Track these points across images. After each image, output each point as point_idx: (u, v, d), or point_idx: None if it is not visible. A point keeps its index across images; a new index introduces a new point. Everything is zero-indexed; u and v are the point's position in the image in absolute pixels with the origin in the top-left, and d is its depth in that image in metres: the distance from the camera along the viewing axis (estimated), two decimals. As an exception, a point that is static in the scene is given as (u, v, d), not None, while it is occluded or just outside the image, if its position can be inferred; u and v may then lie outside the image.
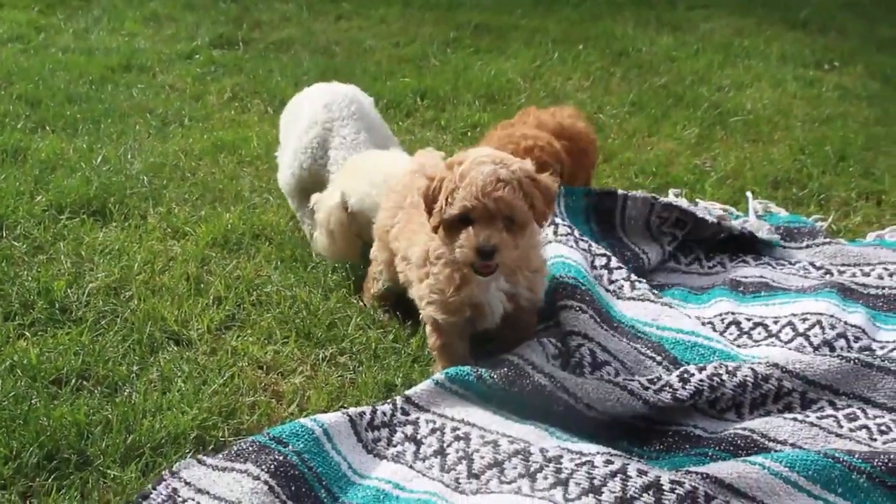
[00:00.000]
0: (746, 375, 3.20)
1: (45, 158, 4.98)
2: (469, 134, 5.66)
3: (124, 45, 7.40)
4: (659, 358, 3.45)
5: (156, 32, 7.89)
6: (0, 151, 5.04)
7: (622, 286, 3.86)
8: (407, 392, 3.19)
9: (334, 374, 3.35)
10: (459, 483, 2.88)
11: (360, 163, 3.99)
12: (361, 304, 3.78)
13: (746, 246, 4.32)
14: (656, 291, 3.86)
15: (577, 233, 4.04)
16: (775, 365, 3.24)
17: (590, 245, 4.03)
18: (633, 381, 3.21)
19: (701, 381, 3.18)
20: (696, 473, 2.71)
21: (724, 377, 3.19)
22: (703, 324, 3.70)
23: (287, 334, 3.55)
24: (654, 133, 5.78)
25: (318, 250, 4.02)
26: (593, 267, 3.92)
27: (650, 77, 6.92)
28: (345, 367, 3.40)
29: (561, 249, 3.85)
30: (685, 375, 3.21)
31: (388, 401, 3.15)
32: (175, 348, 3.46)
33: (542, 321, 3.64)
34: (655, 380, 3.22)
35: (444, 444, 3.01)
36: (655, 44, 7.86)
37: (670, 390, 3.16)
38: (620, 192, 4.34)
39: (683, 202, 4.46)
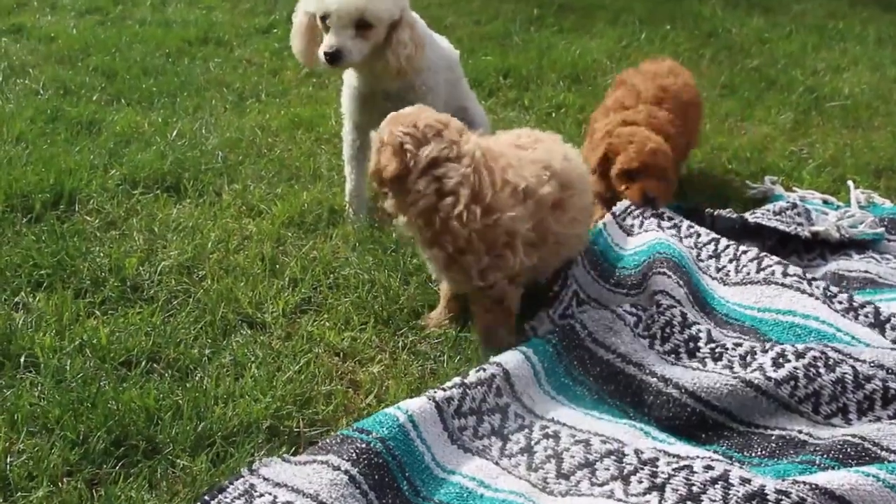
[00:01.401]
0: (846, 373, 2.96)
1: (119, 131, 4.90)
2: (553, 115, 5.47)
3: (202, 17, 7.34)
4: (746, 337, 3.28)
5: (234, 6, 7.83)
6: (75, 123, 4.97)
7: (728, 272, 3.70)
8: (507, 367, 2.99)
9: (414, 363, 3.18)
10: (548, 483, 2.68)
11: None
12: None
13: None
14: (765, 266, 3.66)
15: (685, 226, 3.89)
16: (880, 366, 2.99)
17: (698, 235, 3.86)
18: (723, 371, 3.05)
19: (796, 367, 2.96)
20: (805, 483, 2.49)
21: (822, 370, 2.96)
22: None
23: (365, 320, 3.39)
24: (748, 117, 5.54)
25: (294, 52, 4.11)
26: (700, 259, 3.76)
27: (741, 59, 6.68)
28: (425, 357, 3.22)
29: (664, 237, 3.74)
30: (780, 360, 3.00)
31: (484, 376, 2.93)
32: (248, 332, 3.31)
33: (626, 289, 3.58)
34: (749, 357, 3.07)
35: (532, 442, 2.82)
36: (746, 25, 7.63)
37: (762, 370, 2.97)
38: (707, 211, 4.12)
39: (780, 202, 4.23)
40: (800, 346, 3.06)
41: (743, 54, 6.83)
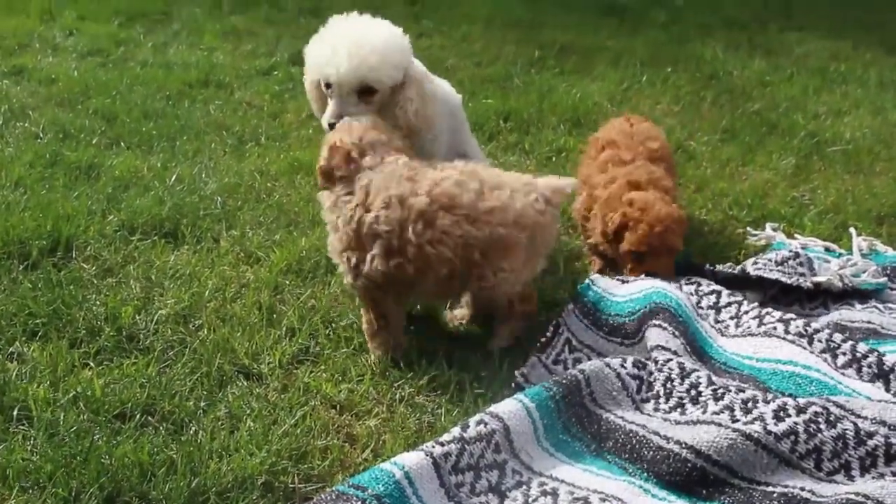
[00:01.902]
0: (847, 429, 2.91)
1: (118, 176, 4.87)
2: (554, 159, 5.45)
3: (203, 59, 7.32)
4: (745, 386, 3.21)
5: (235, 47, 7.80)
6: (74, 168, 4.94)
7: (728, 326, 3.68)
8: (508, 423, 2.95)
9: (412, 416, 3.14)
10: (545, 542, 2.66)
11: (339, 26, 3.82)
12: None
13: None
14: (767, 322, 3.63)
15: (683, 280, 3.91)
16: (882, 422, 2.95)
17: (699, 284, 3.85)
18: (724, 412, 3.02)
19: (796, 422, 2.91)
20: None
21: (823, 425, 2.92)
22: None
23: (362, 371, 3.36)
24: (749, 162, 5.51)
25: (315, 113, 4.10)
26: (700, 307, 3.74)
27: (742, 102, 6.65)
28: (422, 409, 3.18)
29: (662, 285, 3.72)
30: (780, 413, 2.95)
31: (484, 431, 2.89)
32: (245, 383, 3.27)
33: (622, 338, 3.59)
34: (751, 403, 3.02)
35: (530, 499, 2.78)
36: (747, 67, 7.60)
37: (762, 423, 2.92)
38: (707, 267, 4.09)
39: (782, 250, 4.18)
40: (801, 401, 3.01)
41: (744, 97, 6.80)
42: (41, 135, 5.46)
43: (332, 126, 3.74)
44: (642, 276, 3.88)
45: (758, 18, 9.67)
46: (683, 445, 2.89)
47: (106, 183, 4.77)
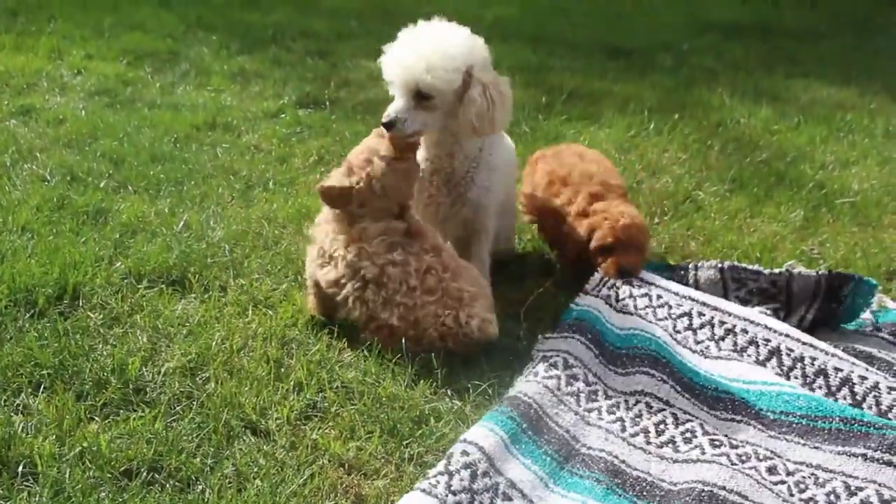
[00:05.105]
0: (836, 487, 3.00)
1: (125, 221, 4.84)
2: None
3: (210, 101, 7.32)
4: (739, 417, 3.34)
5: (242, 89, 7.81)
6: (81, 212, 4.92)
7: (708, 346, 3.76)
8: (511, 478, 3.03)
9: (421, 476, 3.09)
10: None
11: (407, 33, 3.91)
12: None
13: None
14: (741, 346, 3.75)
15: (655, 294, 3.98)
16: (873, 481, 3.02)
17: (669, 307, 3.92)
18: (722, 456, 3.12)
19: (785, 480, 3.03)
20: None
21: (811, 485, 3.02)
22: None
23: (371, 429, 3.32)
24: (757, 214, 5.49)
25: None
26: (676, 331, 3.82)
27: (750, 151, 6.64)
28: (431, 468, 3.15)
29: (640, 323, 3.83)
30: (771, 472, 3.07)
31: (489, 483, 2.97)
32: (252, 439, 3.23)
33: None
34: (744, 458, 3.12)
35: None
36: (754, 115, 7.59)
37: (757, 472, 3.04)
38: (690, 265, 4.32)
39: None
40: (790, 465, 3.10)
41: (751, 146, 6.78)
42: (48, 177, 5.44)
43: (386, 125, 3.80)
44: (621, 290, 4.06)
45: (763, 63, 9.69)
46: (691, 482, 2.98)
47: (113, 228, 4.74)
